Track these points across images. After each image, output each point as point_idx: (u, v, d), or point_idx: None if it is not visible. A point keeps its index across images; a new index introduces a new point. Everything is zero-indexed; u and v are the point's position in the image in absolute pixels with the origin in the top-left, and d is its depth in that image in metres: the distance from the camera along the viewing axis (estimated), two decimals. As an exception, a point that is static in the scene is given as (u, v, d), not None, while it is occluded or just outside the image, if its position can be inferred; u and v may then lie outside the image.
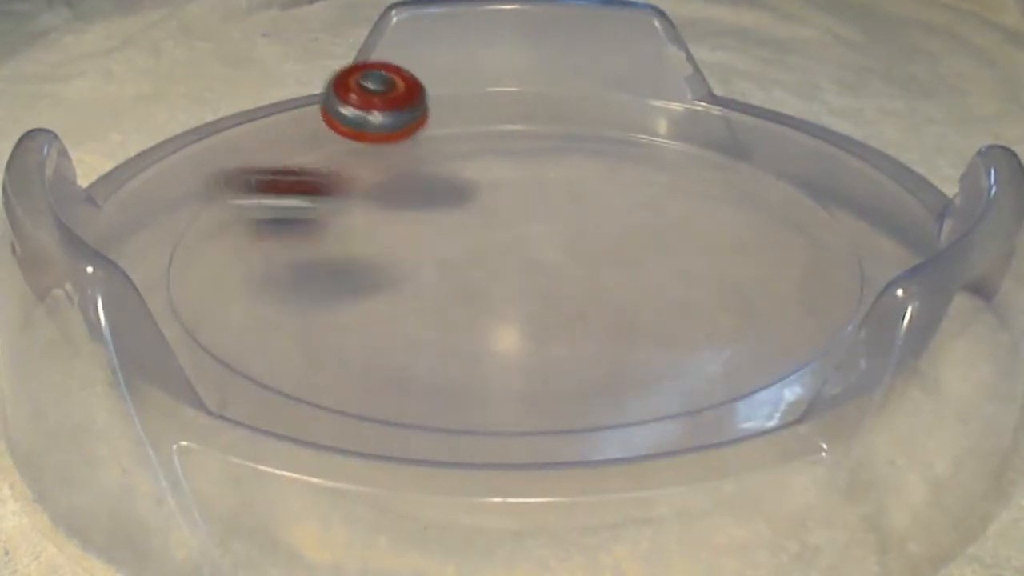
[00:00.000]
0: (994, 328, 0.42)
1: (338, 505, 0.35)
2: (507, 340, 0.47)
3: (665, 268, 0.49)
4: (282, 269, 0.48)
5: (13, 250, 0.41)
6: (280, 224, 0.48)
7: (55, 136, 0.45)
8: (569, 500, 0.35)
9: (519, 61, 0.59)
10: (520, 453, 0.37)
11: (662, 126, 0.59)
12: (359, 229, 0.51)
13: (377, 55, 0.57)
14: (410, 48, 0.58)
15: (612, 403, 0.41)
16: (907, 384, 0.36)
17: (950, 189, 0.47)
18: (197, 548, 0.35)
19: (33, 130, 0.45)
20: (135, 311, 0.36)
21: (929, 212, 0.48)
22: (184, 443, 0.35)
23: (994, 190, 0.42)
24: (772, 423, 0.38)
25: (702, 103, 0.58)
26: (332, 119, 0.49)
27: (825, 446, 0.35)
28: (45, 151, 0.44)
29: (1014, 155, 0.44)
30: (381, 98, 0.49)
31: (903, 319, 0.35)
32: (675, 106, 0.58)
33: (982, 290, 0.41)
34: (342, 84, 0.49)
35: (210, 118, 0.61)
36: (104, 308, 0.35)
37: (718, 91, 0.60)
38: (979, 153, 0.44)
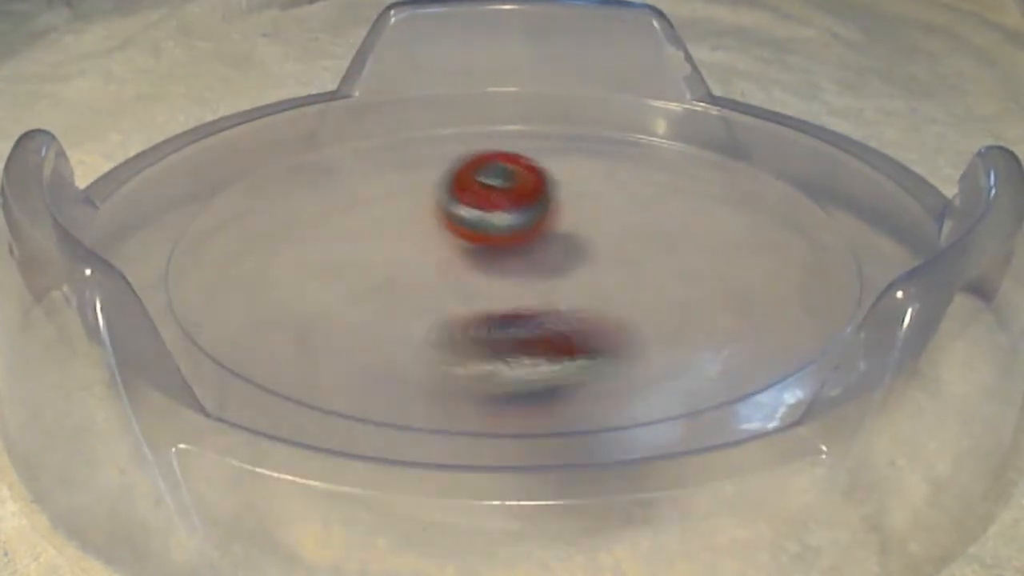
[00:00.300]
0: (994, 329, 0.42)
1: (337, 506, 0.35)
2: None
3: (664, 268, 0.49)
4: (281, 269, 0.48)
5: (11, 251, 0.41)
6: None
7: (53, 137, 0.45)
8: (569, 503, 0.35)
9: (518, 61, 0.59)
10: (520, 455, 0.37)
11: (661, 126, 0.59)
12: (359, 229, 0.51)
13: (376, 55, 0.57)
14: (409, 48, 0.58)
15: (612, 404, 0.41)
16: (907, 385, 0.36)
17: (950, 189, 0.47)
18: (196, 550, 0.35)
19: (31, 131, 0.45)
20: (133, 313, 0.36)
21: (928, 213, 0.48)
22: (183, 446, 0.35)
23: (994, 191, 0.42)
24: (772, 424, 0.38)
25: (701, 103, 0.58)
26: (451, 222, 0.47)
27: (825, 447, 0.35)
28: (43, 152, 0.44)
29: (1014, 156, 0.44)
30: (503, 194, 0.46)
31: (903, 320, 0.35)
32: (674, 106, 0.58)
33: (981, 291, 0.41)
34: (459, 182, 0.46)
35: (210, 118, 0.61)
36: (102, 310, 0.35)
37: (718, 91, 0.60)
38: (979, 154, 0.44)
